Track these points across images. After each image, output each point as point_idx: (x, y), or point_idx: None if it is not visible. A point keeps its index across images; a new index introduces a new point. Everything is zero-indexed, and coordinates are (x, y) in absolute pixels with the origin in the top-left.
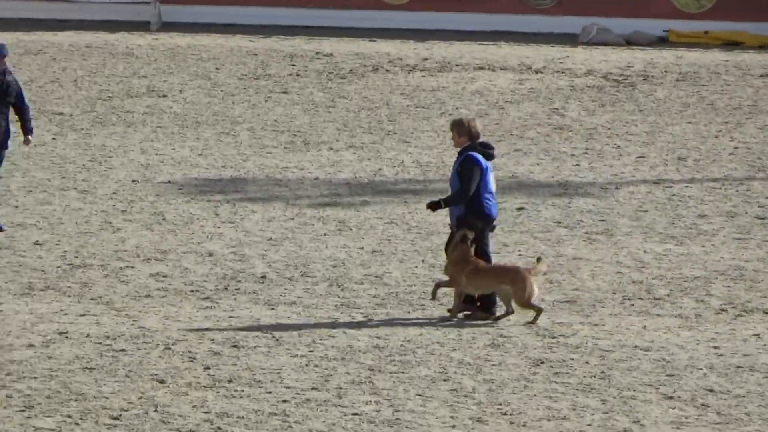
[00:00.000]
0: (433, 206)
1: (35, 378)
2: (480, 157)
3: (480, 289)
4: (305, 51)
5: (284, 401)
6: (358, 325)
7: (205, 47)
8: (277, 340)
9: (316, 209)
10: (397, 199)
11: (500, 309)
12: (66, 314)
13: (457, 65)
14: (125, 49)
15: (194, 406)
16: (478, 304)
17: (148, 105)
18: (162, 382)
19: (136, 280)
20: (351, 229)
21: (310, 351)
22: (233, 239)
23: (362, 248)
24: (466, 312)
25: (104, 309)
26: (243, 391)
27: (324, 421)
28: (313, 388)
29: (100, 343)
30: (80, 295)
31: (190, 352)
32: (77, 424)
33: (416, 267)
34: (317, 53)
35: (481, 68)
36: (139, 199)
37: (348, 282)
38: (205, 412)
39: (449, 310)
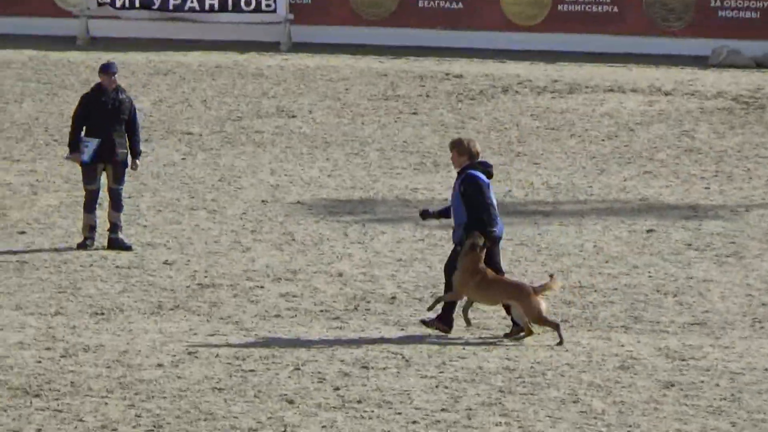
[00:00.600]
0: (424, 214)
1: (164, 398)
2: (480, 174)
3: (487, 300)
4: (435, 72)
5: (414, 422)
6: (488, 346)
7: (334, 68)
8: (407, 360)
9: (445, 230)
10: (527, 221)
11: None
12: (195, 334)
13: (586, 87)
14: (255, 70)
15: (323, 427)
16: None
17: (278, 125)
18: (291, 402)
19: (266, 300)
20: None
21: (440, 372)
22: (363, 260)
23: None
24: (424, 319)
25: (233, 329)
26: (372, 412)
27: None
28: (442, 410)
29: (229, 363)
30: (209, 314)
31: (319, 372)
32: None
33: None
34: (447, 74)
35: (610, 90)
36: (269, 219)
37: (477, 303)
38: None
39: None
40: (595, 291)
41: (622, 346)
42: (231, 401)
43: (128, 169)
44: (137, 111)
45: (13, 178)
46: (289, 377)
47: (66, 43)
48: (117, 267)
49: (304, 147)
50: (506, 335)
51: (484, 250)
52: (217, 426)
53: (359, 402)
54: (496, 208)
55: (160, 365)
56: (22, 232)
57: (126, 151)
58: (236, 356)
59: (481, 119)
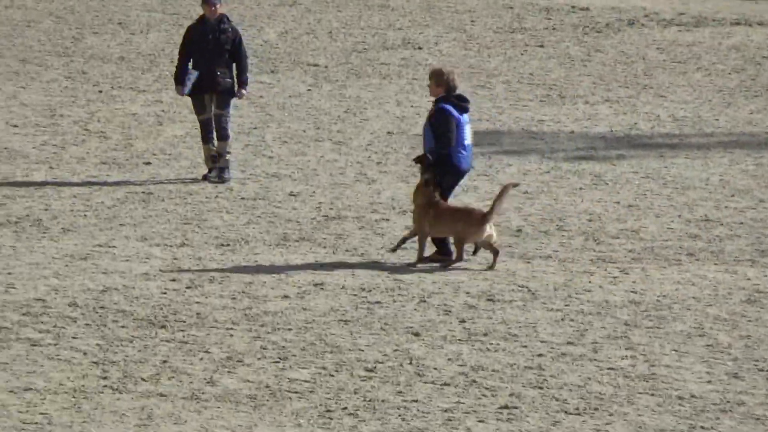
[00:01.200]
0: (422, 159)
1: (290, 329)
2: (452, 108)
3: (444, 232)
4: (561, 5)
5: (539, 355)
6: (614, 279)
7: (461, 0)
8: (533, 293)
9: (571, 163)
10: (653, 153)
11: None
12: (321, 266)
13: (713, 20)
14: (381, 1)
15: (449, 360)
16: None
17: (403, 57)
18: (417, 334)
19: (391, 232)
20: (606, 183)
21: (566, 305)
22: (489, 192)
23: (618, 202)
24: (434, 261)
25: (360, 261)
26: (498, 344)
27: (579, 376)
28: (568, 343)
29: (355, 295)
30: (335, 246)
31: (445, 305)
32: (332, 375)
33: (672, 222)
34: (573, 7)
35: (737, 23)
36: (394, 151)
37: (603, 236)
38: (460, 365)
39: (421, 259)
40: (721, 224)
41: (749, 279)
42: (357, 333)
43: (237, 99)
44: (242, 40)
45: (139, 108)
46: (415, 309)
47: None
48: (242, 198)
49: None
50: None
51: (437, 186)
52: (343, 358)
53: (485, 335)
54: (468, 143)
55: (285, 297)
56: (148, 163)
57: (230, 80)
58: (362, 288)
59: (607, 52)
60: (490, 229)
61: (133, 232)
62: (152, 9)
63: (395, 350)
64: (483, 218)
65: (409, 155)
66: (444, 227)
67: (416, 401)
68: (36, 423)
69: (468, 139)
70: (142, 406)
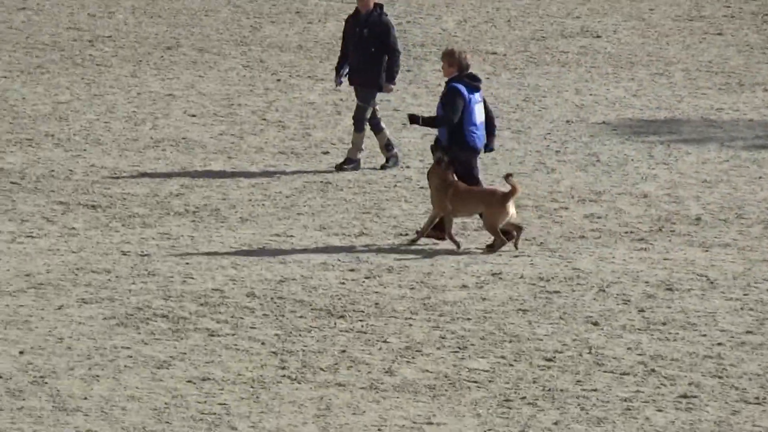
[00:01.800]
0: (413, 119)
1: (469, 319)
2: (463, 87)
3: (465, 211)
4: None
5: (719, 344)
6: None
7: None
8: (712, 282)
9: (750, 151)
10: None
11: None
12: (499, 255)
13: None
14: None
15: (628, 349)
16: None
17: (582, 45)
18: (596, 324)
19: (570, 221)
20: None
21: (745, 294)
22: (667, 181)
23: None
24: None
25: (538, 250)
26: (677, 333)
27: (759, 365)
28: (748, 332)
29: (533, 285)
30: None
31: (624, 294)
32: (511, 365)
33: None
34: None
35: None
36: (573, 140)
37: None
38: (639, 355)
39: (417, 232)
40: None
41: None
42: (535, 323)
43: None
44: (393, 32)
45: (317, 97)
46: (594, 299)
47: None
48: (421, 188)
49: (609, 67)
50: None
51: (450, 165)
52: (522, 348)
53: (664, 324)
54: (479, 122)
55: (464, 286)
56: (326, 152)
57: (373, 74)
58: (541, 277)
59: None
60: (512, 209)
61: (312, 221)
62: None
63: (574, 340)
64: (504, 198)
65: (588, 144)
66: (464, 208)
67: (595, 390)
68: (214, 413)
69: (478, 118)
70: (321, 396)
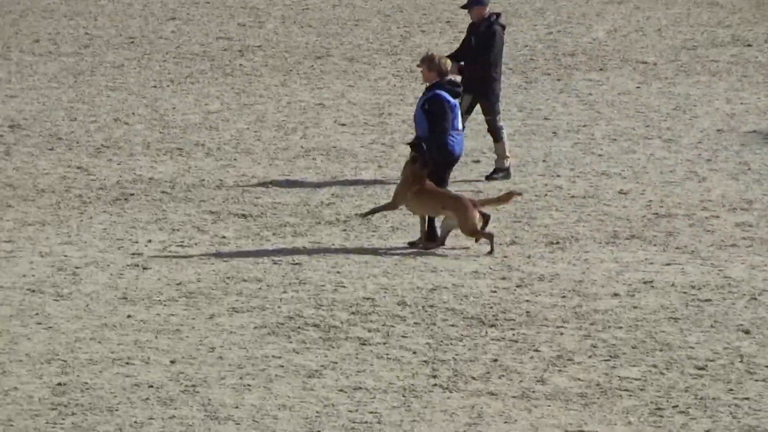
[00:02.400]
0: (413, 145)
1: (620, 327)
2: (446, 94)
3: (423, 210)
4: None
5: None
6: None
7: None
8: None
9: None
10: None
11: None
12: (651, 263)
13: None
14: (711, 0)
15: None
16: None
17: (733, 54)
18: (747, 332)
19: (722, 229)
20: None
21: None
22: None
23: None
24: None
25: (689, 258)
26: None
27: None
28: None
29: (685, 293)
30: (665, 244)
31: None
32: (662, 373)
33: None
34: None
35: None
36: (724, 149)
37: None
38: None
39: (410, 243)
40: None
41: None
42: (687, 331)
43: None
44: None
45: None
46: (746, 307)
47: None
48: (572, 197)
49: (760, 76)
50: (410, 243)
51: (426, 167)
52: (673, 356)
53: None
54: (460, 127)
55: (615, 295)
56: (477, 161)
57: (487, 83)
58: (692, 286)
59: None
60: (479, 219)
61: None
62: None
63: (725, 348)
64: (471, 203)
65: (739, 152)
66: (422, 207)
67: (747, 399)
68: (366, 422)
69: (460, 124)
70: (473, 404)
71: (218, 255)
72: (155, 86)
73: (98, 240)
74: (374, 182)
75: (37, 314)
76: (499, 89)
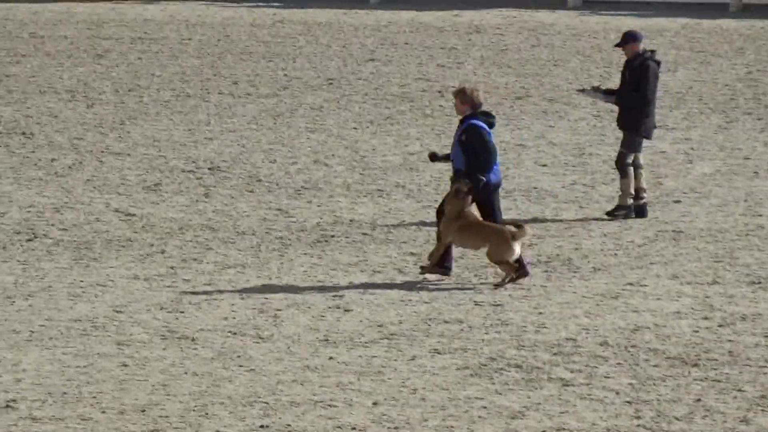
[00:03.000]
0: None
1: None
2: (482, 123)
3: (467, 245)
4: None
5: None
6: None
7: None
8: None
9: None
10: None
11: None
12: None
13: None
14: None
15: None
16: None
17: None
18: None
19: None
20: None
21: None
22: None
23: None
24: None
25: None
26: None
27: None
28: None
29: None
30: None
31: None
32: None
33: None
34: None
35: None
36: None
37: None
38: None
39: (422, 267)
40: None
41: None
42: None
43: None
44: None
45: (668, 146)
46: None
47: (719, 10)
48: None
49: None
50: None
51: (469, 197)
52: None
53: None
54: (496, 156)
55: None
56: (678, 201)
57: (633, 119)
58: None
59: None
60: (518, 248)
61: (664, 270)
62: (679, 47)
63: None
64: (510, 235)
65: None
66: (467, 242)
67: None
68: None
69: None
70: None
71: (419, 296)
72: (355, 128)
73: (299, 282)
74: (575, 222)
75: (238, 356)
76: (652, 126)
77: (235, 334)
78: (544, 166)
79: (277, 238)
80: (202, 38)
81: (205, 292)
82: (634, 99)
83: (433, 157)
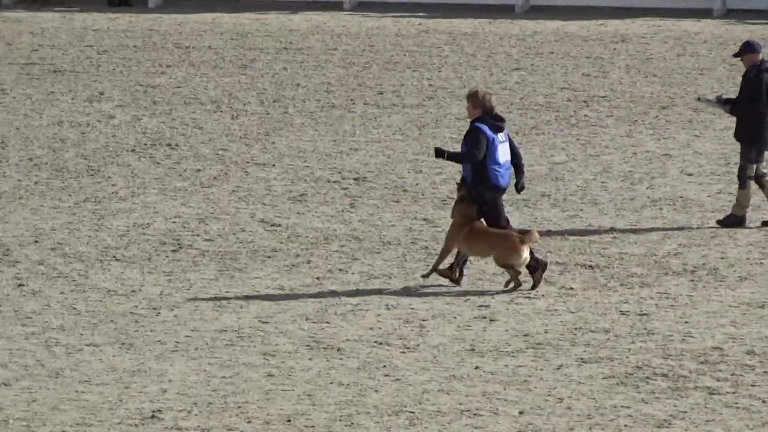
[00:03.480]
0: (439, 152)
1: None
2: (486, 128)
3: (474, 253)
4: None
5: None
6: None
7: None
8: None
9: None
10: None
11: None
12: None
13: None
14: None
15: None
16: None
17: None
18: None
19: None
20: None
21: None
22: None
23: None
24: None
25: None
26: None
27: None
28: None
29: None
30: None
31: None
32: None
33: None
34: None
35: None
36: None
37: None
38: None
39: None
40: None
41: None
42: None
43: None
44: None
45: None
46: None
47: None
48: None
49: None
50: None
51: (473, 203)
52: None
53: None
54: (503, 161)
55: None
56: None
57: (750, 130)
58: None
59: None
60: (526, 253)
61: None
62: None
63: None
64: (519, 241)
65: None
66: (475, 248)
67: None
68: None
69: (502, 157)
70: None
71: (565, 306)
72: None
73: (444, 292)
74: (721, 231)
75: (384, 366)
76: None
77: (380, 344)
78: (690, 175)
79: (423, 247)
80: (347, 48)
81: (350, 303)
82: (748, 110)
83: (440, 153)
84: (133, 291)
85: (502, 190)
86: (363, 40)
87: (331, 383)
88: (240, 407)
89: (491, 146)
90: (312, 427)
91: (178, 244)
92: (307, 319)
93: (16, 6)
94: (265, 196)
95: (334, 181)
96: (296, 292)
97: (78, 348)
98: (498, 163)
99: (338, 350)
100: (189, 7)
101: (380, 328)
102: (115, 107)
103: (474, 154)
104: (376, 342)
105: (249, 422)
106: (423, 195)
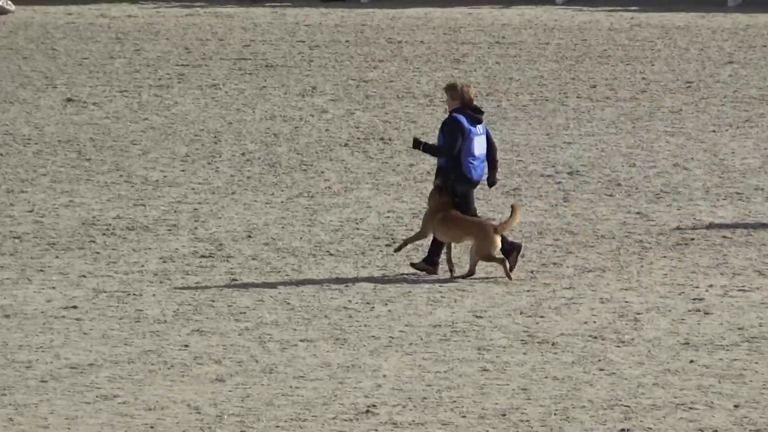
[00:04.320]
0: (416, 144)
1: None
2: (463, 119)
3: (447, 237)
4: None
5: None
6: None
7: None
8: None
9: None
10: None
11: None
12: None
13: None
14: None
15: None
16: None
17: None
18: None
19: None
20: None
21: None
22: None
23: None
24: (413, 261)
25: None
26: None
27: None
28: None
29: None
30: None
31: None
32: None
33: None
34: None
35: None
36: None
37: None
38: None
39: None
40: None
41: None
42: None
43: None
44: None
45: None
46: None
47: None
48: None
49: None
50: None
51: (448, 191)
52: None
53: None
54: (478, 154)
55: None
56: None
57: None
58: None
59: None
60: (498, 240)
61: None
62: None
63: None
64: (493, 229)
65: None
66: (448, 234)
67: None
68: None
69: (478, 150)
70: None
71: None
72: (714, 131)
73: (659, 285)
74: None
75: (599, 360)
76: None
77: (595, 338)
78: None
79: (637, 241)
80: (560, 42)
81: (564, 296)
82: None
83: (417, 144)
84: (347, 286)
85: (475, 183)
86: (575, 34)
87: (546, 377)
88: (455, 402)
89: (467, 138)
90: (527, 421)
91: (392, 239)
92: (521, 313)
93: (227, 2)
94: (478, 191)
95: (547, 175)
96: (510, 287)
97: (292, 343)
98: (473, 155)
99: (553, 344)
100: (401, 1)
101: (594, 322)
102: (327, 101)
103: (449, 147)
104: (590, 336)
105: (464, 417)
106: (637, 189)
